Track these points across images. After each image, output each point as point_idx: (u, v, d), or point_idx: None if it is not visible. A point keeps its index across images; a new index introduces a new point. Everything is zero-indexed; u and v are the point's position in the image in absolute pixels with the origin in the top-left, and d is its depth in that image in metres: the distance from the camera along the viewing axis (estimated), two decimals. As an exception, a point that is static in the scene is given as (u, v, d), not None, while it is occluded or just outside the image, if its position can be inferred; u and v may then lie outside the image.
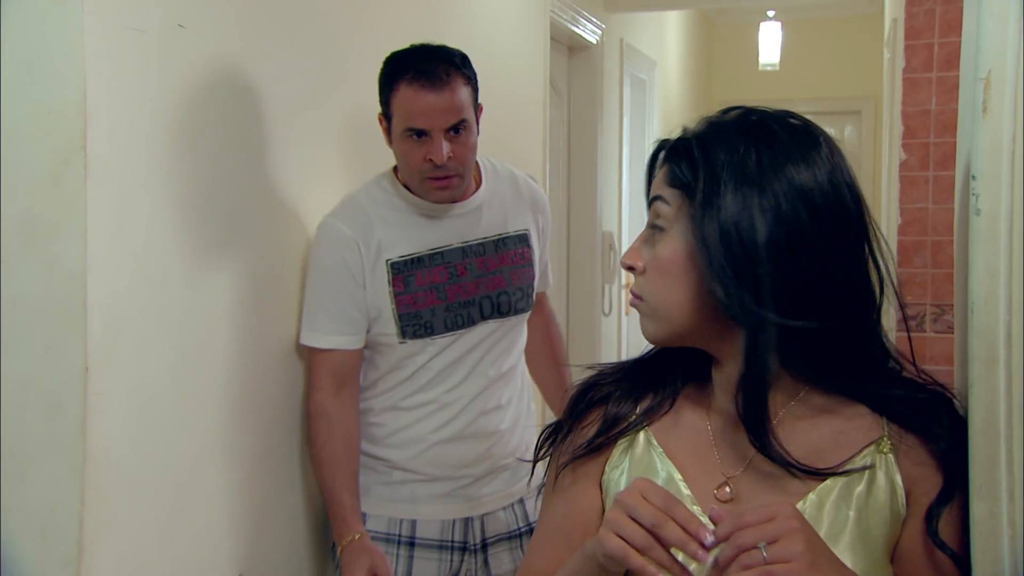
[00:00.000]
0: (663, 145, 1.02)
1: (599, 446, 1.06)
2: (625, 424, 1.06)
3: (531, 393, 2.06)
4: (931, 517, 0.94)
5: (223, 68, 1.67)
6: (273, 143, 1.83)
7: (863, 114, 6.52)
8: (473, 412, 1.92)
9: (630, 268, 1.00)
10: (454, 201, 1.88)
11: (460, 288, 1.88)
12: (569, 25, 3.69)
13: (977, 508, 0.88)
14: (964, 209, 0.95)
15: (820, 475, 0.95)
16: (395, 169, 1.90)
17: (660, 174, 1.00)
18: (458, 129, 1.79)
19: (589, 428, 1.07)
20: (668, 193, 0.98)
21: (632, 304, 1.02)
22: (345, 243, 1.82)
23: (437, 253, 1.87)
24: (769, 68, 6.14)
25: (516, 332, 2.01)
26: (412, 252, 1.85)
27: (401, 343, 1.86)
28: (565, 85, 4.05)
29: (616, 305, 4.53)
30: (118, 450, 1.44)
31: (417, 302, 1.85)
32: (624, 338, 4.76)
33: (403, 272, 1.84)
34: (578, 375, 1.17)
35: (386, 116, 1.82)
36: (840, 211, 0.94)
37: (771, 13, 6.12)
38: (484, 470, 1.95)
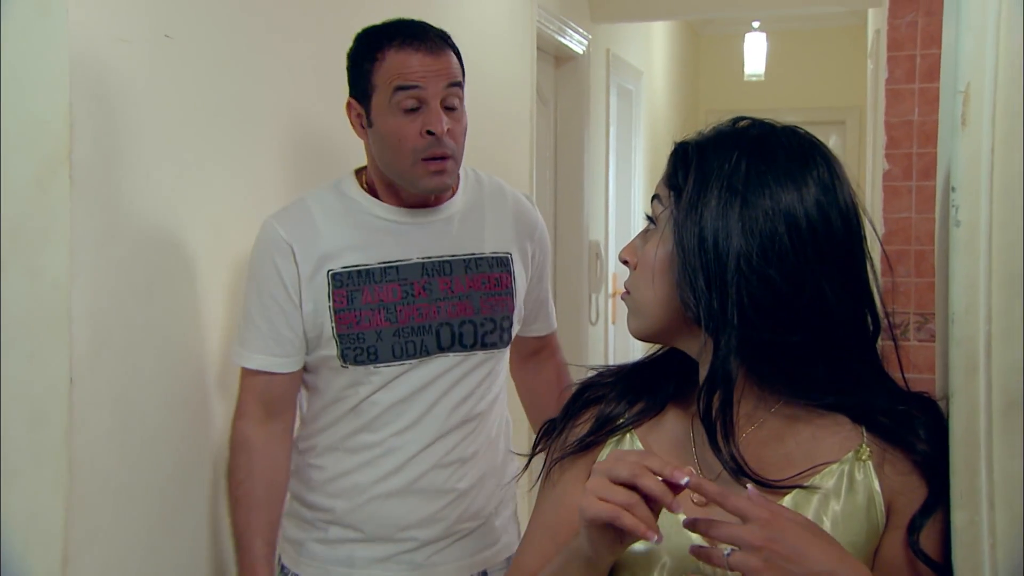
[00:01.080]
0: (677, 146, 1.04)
1: (589, 444, 1.08)
2: (615, 425, 1.07)
3: (510, 448, 1.78)
4: (913, 528, 0.94)
5: (209, 79, 1.67)
6: (261, 153, 1.82)
7: (847, 124, 6.57)
8: (425, 463, 1.62)
9: (625, 262, 1.03)
10: (438, 203, 1.63)
11: (414, 311, 1.59)
12: (556, 35, 3.70)
13: (958, 516, 0.88)
14: (944, 220, 0.96)
15: (776, 487, 0.95)
16: (358, 173, 1.66)
17: (663, 174, 1.03)
18: (453, 106, 1.55)
19: (582, 427, 1.09)
20: (663, 193, 1.00)
21: (622, 297, 1.05)
22: (278, 248, 1.55)
23: (391, 267, 1.59)
24: (754, 78, 6.18)
25: (488, 372, 1.68)
26: (360, 263, 1.58)
27: (343, 368, 1.58)
28: (552, 95, 4.07)
29: (603, 314, 4.53)
30: (103, 460, 1.44)
31: (360, 322, 1.57)
32: (611, 347, 4.76)
33: (347, 285, 1.56)
34: (572, 371, 1.19)
35: (363, 95, 1.55)
36: (825, 235, 0.94)
37: (756, 24, 6.17)
38: (435, 534, 1.63)
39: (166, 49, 1.55)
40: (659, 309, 0.99)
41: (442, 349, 1.61)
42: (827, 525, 0.95)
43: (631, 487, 0.86)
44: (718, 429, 0.95)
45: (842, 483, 0.96)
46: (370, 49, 1.54)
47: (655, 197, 1.02)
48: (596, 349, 4.49)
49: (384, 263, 1.59)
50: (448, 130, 1.53)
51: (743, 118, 1.01)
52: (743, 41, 6.21)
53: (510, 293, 1.68)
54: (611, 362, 4.82)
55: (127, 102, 1.48)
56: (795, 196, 0.94)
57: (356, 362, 1.57)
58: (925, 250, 2.50)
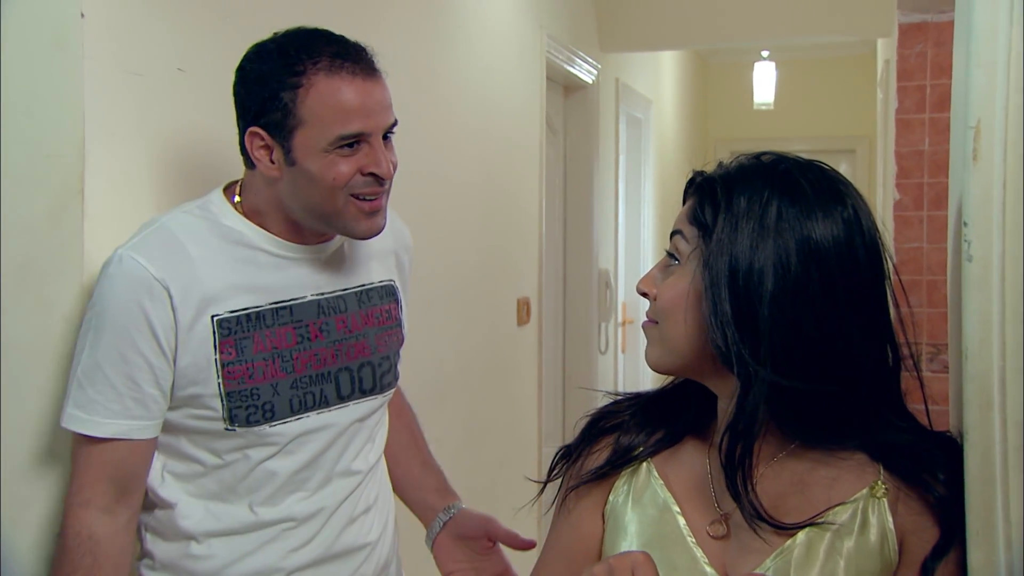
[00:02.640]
0: (695, 176, 1.03)
1: (605, 474, 1.07)
2: (633, 455, 1.07)
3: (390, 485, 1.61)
4: (926, 572, 0.93)
5: (222, 112, 1.68)
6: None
7: (857, 153, 6.57)
8: (339, 523, 1.42)
9: (643, 294, 1.02)
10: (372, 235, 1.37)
11: (312, 356, 1.36)
12: (565, 65, 3.73)
13: (974, 556, 0.87)
14: (956, 255, 0.95)
15: (791, 529, 0.95)
16: (227, 192, 1.39)
17: (684, 208, 1.01)
18: (387, 135, 1.34)
19: (599, 455, 1.09)
20: (688, 230, 0.99)
21: (644, 327, 1.03)
22: (148, 289, 1.25)
23: (284, 308, 1.34)
24: (764, 107, 6.20)
25: (383, 413, 1.52)
26: (250, 306, 1.32)
27: (228, 432, 1.32)
28: (561, 124, 4.08)
29: (612, 343, 4.52)
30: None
31: (253, 375, 1.31)
32: (621, 376, 4.75)
33: (235, 333, 1.30)
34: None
35: (279, 128, 1.28)
36: (853, 274, 0.94)
37: (765, 53, 6.19)
38: None
39: (179, 82, 1.56)
40: (687, 345, 0.98)
41: (342, 398, 1.40)
42: (840, 562, 0.94)
43: None
44: (738, 475, 0.95)
45: (855, 520, 0.95)
46: (288, 70, 1.27)
47: (678, 233, 1.00)
48: (606, 378, 4.47)
49: (277, 303, 1.34)
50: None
51: (765, 153, 1.00)
52: (752, 70, 6.24)
53: (399, 325, 1.51)
54: (621, 391, 4.80)
55: (140, 135, 1.49)
56: (825, 235, 0.93)
57: (248, 423, 1.32)
58: (937, 280, 2.49)
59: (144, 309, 1.25)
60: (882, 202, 3.76)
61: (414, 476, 1.63)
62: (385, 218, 1.35)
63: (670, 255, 1.01)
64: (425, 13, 2.53)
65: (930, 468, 0.95)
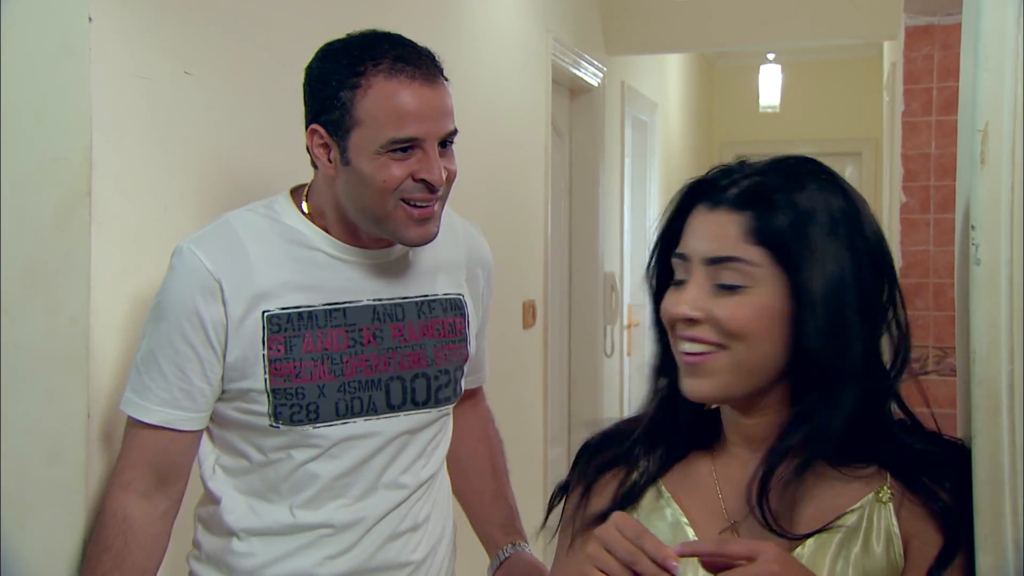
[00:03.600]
0: (707, 186, 0.98)
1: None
2: (642, 487, 1.05)
3: (451, 505, 1.58)
4: None
5: (229, 115, 1.69)
6: (282, 188, 1.83)
7: (863, 156, 6.56)
8: (379, 537, 1.39)
9: (689, 319, 0.95)
10: (425, 242, 1.36)
11: (363, 362, 1.35)
12: (570, 68, 3.73)
13: (983, 560, 0.87)
14: (964, 258, 0.95)
15: (800, 538, 0.95)
16: (294, 194, 1.41)
17: (730, 227, 0.95)
18: (447, 143, 1.33)
19: (604, 489, 1.07)
20: (751, 252, 0.94)
21: (699, 358, 0.95)
22: (202, 283, 1.28)
23: (338, 310, 1.34)
24: (769, 110, 6.20)
25: (440, 430, 1.48)
26: (302, 305, 1.32)
27: (273, 429, 1.32)
28: (567, 127, 4.09)
29: (618, 346, 4.52)
30: (118, 496, 1.43)
31: (301, 374, 1.31)
32: (626, 379, 4.75)
33: (286, 331, 1.31)
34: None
35: (338, 128, 1.29)
36: (889, 272, 0.98)
37: (771, 56, 6.19)
38: None
39: (186, 86, 1.57)
40: (771, 366, 0.95)
41: (392, 407, 1.38)
42: (849, 568, 0.94)
43: (627, 565, 0.85)
44: (760, 486, 0.95)
45: (862, 526, 0.95)
46: (349, 71, 1.28)
47: (735, 259, 0.94)
48: (611, 382, 4.47)
49: (331, 304, 1.34)
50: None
51: (787, 156, 1.00)
52: (758, 73, 6.24)
53: (464, 340, 1.47)
54: (626, 394, 4.81)
55: (147, 139, 1.49)
56: (871, 234, 0.96)
57: (292, 422, 1.32)
58: (944, 283, 2.48)
59: (195, 302, 1.28)
60: (888, 205, 3.76)
61: (484, 507, 1.64)
62: (438, 227, 1.34)
63: (726, 286, 0.94)
64: (431, 16, 2.54)
65: (935, 474, 0.95)
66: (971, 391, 0.88)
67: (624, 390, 4.73)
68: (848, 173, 6.63)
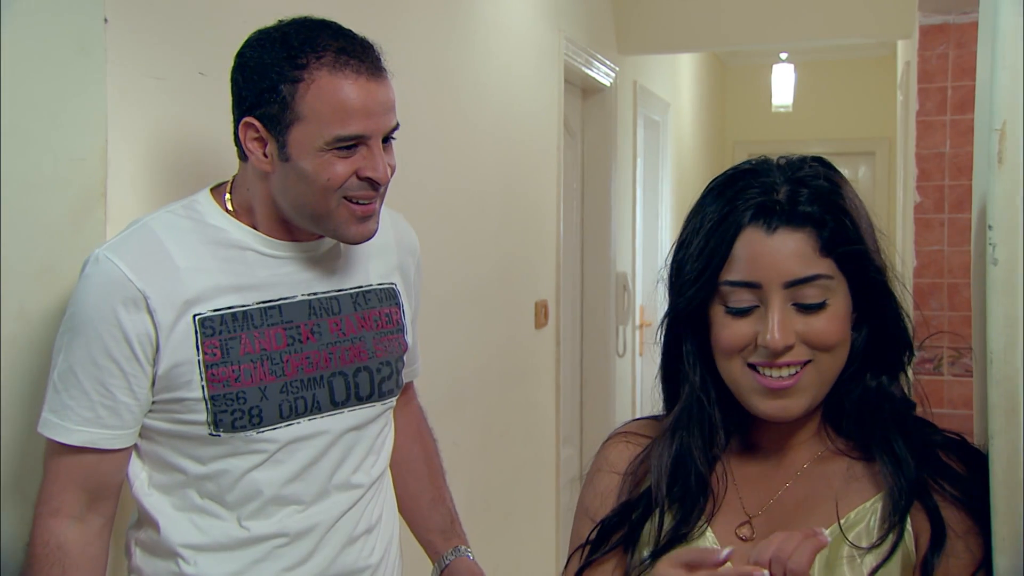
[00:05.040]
0: (775, 206, 0.96)
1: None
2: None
3: (395, 504, 1.53)
4: (926, 571, 0.94)
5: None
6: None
7: (877, 155, 6.54)
8: (337, 542, 1.34)
9: (788, 348, 0.95)
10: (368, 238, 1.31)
11: (304, 359, 1.30)
12: (583, 68, 3.73)
13: (1000, 561, 0.86)
14: (980, 258, 0.95)
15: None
16: (215, 192, 1.33)
17: (801, 246, 0.95)
18: (389, 139, 1.29)
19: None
20: (827, 265, 0.95)
21: (787, 384, 0.96)
22: (123, 294, 1.20)
23: (273, 308, 1.28)
24: (782, 110, 6.18)
25: (386, 424, 1.45)
26: (235, 305, 1.26)
27: (213, 437, 1.25)
28: (579, 127, 4.08)
29: (630, 346, 4.51)
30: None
31: (240, 378, 1.25)
32: (638, 379, 4.74)
33: (220, 333, 1.24)
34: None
35: (276, 122, 1.22)
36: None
37: (784, 55, 6.17)
38: None
39: (201, 86, 1.57)
40: (839, 371, 1.00)
41: (336, 404, 1.33)
42: (862, 568, 0.94)
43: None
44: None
45: (875, 523, 0.96)
46: (290, 63, 1.21)
47: (818, 278, 0.95)
48: (624, 382, 4.47)
49: (265, 303, 1.28)
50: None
51: (805, 157, 1.01)
52: (771, 72, 6.22)
53: (401, 330, 1.43)
54: (638, 395, 4.80)
55: (162, 139, 1.50)
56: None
57: (234, 428, 1.25)
58: (958, 283, 2.47)
59: (117, 314, 1.19)
60: (902, 205, 3.75)
61: (422, 511, 1.58)
62: (377, 223, 1.30)
63: (810, 306, 0.95)
64: (443, 16, 2.54)
65: (937, 473, 0.96)
66: (988, 392, 0.88)
67: (636, 390, 4.73)
68: (861, 173, 6.61)
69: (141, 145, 1.45)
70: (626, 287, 4.41)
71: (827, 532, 0.89)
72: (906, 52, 3.93)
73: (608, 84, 4.05)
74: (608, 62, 4.01)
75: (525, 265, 3.20)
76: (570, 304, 3.96)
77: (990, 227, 0.86)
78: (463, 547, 1.57)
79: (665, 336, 1.05)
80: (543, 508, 3.41)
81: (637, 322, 4.65)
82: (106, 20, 1.36)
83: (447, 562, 1.54)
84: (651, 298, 4.77)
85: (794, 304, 0.95)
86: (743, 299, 0.96)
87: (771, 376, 0.96)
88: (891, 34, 4.16)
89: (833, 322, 0.96)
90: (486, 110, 2.83)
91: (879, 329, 0.99)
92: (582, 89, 4.04)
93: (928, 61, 2.53)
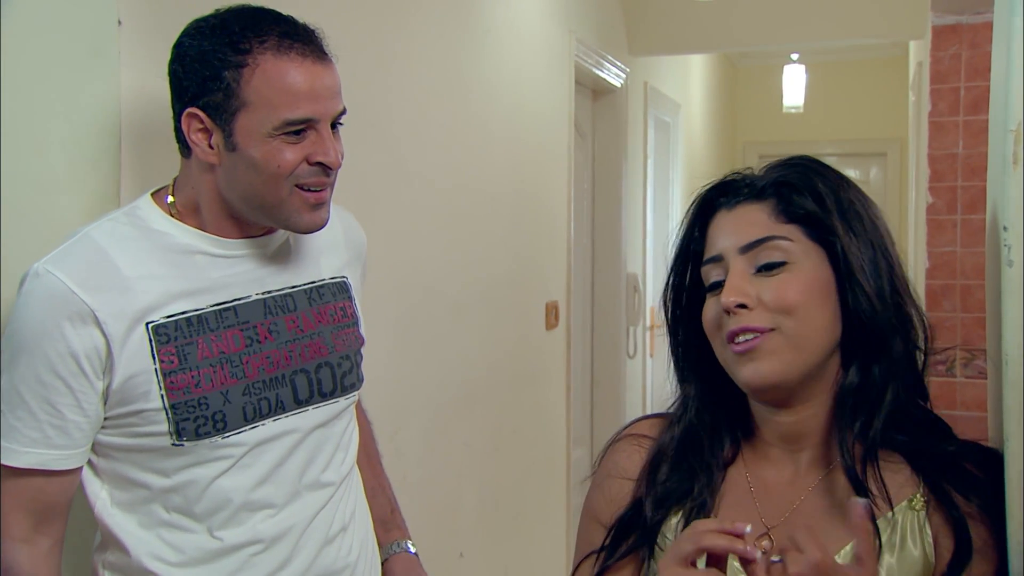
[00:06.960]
0: (719, 192, 1.02)
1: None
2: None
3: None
4: None
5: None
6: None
7: (888, 156, 6.51)
8: (314, 544, 1.31)
9: (741, 307, 0.96)
10: (317, 228, 1.28)
11: (264, 359, 1.27)
12: (594, 69, 3.72)
13: (1016, 564, 0.86)
14: (995, 260, 0.94)
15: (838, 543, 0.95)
16: (156, 195, 1.29)
17: (757, 214, 0.98)
18: (335, 124, 1.26)
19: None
20: (785, 230, 0.97)
21: (749, 345, 0.95)
22: (67, 307, 1.14)
23: (228, 309, 1.25)
24: (793, 110, 6.16)
25: (351, 419, 1.42)
26: (189, 309, 1.22)
27: (176, 447, 1.21)
28: (590, 128, 4.08)
29: (641, 347, 4.51)
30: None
31: (201, 383, 1.21)
32: (649, 380, 4.73)
33: (176, 339, 1.20)
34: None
35: (220, 110, 1.19)
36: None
37: (795, 56, 6.15)
38: None
39: (213, 88, 1.57)
40: (824, 337, 0.96)
41: (300, 403, 1.30)
42: (882, 567, 0.94)
43: (700, 552, 0.85)
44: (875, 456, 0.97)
45: (896, 534, 0.96)
46: (232, 49, 1.18)
47: (771, 238, 0.96)
48: (634, 384, 4.46)
49: (218, 305, 1.24)
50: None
51: (792, 156, 1.03)
52: (781, 73, 6.20)
53: (356, 323, 1.40)
54: (649, 396, 4.79)
55: (175, 141, 1.50)
56: (883, 223, 1.01)
57: (198, 435, 1.21)
58: (971, 284, 2.46)
59: (63, 330, 1.14)
60: (914, 206, 3.73)
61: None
62: (329, 212, 1.27)
63: (768, 265, 0.96)
64: (454, 18, 2.54)
65: (960, 483, 0.95)
66: (1003, 394, 0.87)
67: (647, 391, 4.72)
68: (873, 174, 6.58)
69: (154, 147, 1.45)
70: (637, 288, 4.40)
71: (848, 547, 0.89)
72: (918, 52, 3.91)
73: (619, 85, 4.05)
74: (619, 63, 4.01)
75: (536, 266, 3.20)
76: (581, 305, 3.96)
77: (1005, 229, 0.86)
78: (405, 540, 1.54)
79: (669, 332, 1.07)
80: (553, 509, 3.41)
81: (648, 323, 4.64)
82: (120, 22, 1.37)
83: (387, 556, 1.52)
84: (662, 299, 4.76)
85: (757, 270, 0.97)
86: (713, 274, 1.00)
87: (736, 341, 0.97)
88: (903, 34, 4.14)
89: (790, 284, 0.95)
90: (497, 111, 2.84)
91: (856, 309, 0.96)
92: (593, 90, 4.03)
93: (941, 62, 2.51)
